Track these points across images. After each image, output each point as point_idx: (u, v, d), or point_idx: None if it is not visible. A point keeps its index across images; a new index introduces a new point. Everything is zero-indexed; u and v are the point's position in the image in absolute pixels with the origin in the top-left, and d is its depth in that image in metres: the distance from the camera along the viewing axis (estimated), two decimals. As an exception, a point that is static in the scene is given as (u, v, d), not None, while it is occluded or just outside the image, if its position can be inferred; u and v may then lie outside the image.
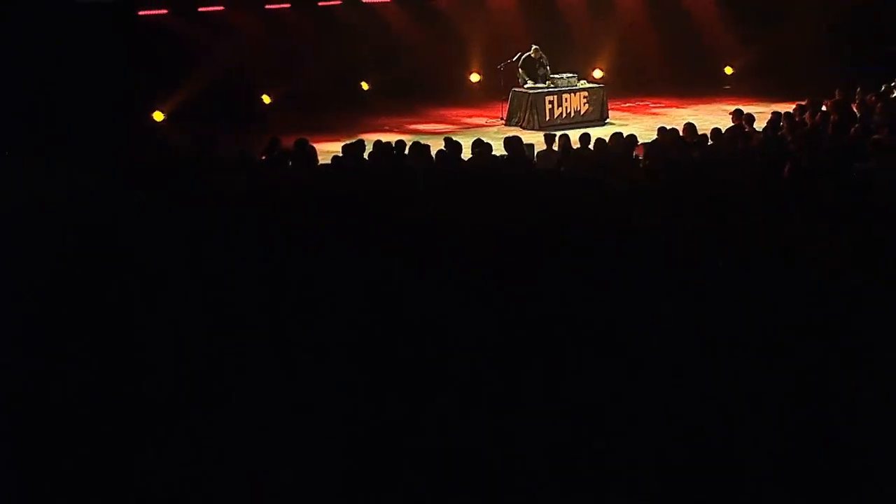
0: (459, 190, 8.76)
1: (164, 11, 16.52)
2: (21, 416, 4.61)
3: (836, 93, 12.12)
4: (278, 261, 6.44)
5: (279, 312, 5.66)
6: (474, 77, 19.21)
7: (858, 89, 12.11)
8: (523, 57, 16.36)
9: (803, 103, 11.84)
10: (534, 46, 16.43)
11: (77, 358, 5.12)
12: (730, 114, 11.86)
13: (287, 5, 17.88)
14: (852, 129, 10.00)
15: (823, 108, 11.58)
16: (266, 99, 17.62)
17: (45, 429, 4.52)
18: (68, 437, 4.49)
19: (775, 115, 11.29)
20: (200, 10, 16.86)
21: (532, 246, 6.54)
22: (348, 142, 10.46)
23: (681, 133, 10.65)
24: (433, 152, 10.01)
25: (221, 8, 17.08)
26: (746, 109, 11.75)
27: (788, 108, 12.19)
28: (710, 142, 10.48)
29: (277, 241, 6.85)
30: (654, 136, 11.06)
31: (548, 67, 16.31)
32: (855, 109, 11.70)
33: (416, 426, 4.40)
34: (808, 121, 11.07)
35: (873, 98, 11.79)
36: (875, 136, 9.54)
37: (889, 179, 8.08)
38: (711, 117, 14.61)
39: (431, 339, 5.16)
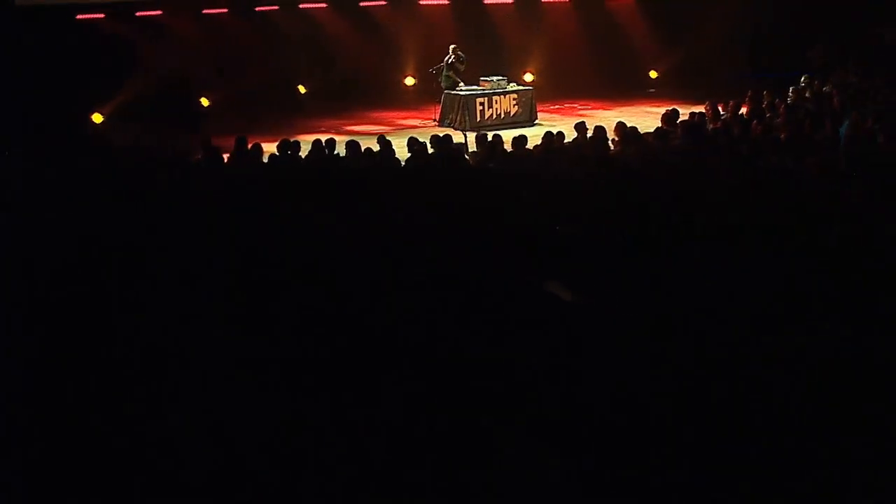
0: (392, 185, 9.21)
1: (102, 16, 16.66)
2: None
3: (748, 96, 12.88)
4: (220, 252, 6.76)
5: (224, 306, 5.87)
6: (409, 80, 19.71)
7: (765, 92, 12.87)
8: (448, 61, 16.95)
9: (718, 106, 12.49)
10: (451, 47, 17.04)
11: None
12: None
13: (224, 10, 18.11)
14: (759, 129, 10.70)
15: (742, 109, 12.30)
16: (205, 102, 17.90)
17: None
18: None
19: (692, 115, 11.99)
20: (138, 14, 16.99)
21: (461, 237, 6.94)
22: (285, 139, 10.84)
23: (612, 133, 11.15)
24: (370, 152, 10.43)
25: (159, 12, 17.25)
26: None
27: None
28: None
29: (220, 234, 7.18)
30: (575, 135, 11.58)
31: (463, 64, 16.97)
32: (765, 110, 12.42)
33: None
34: (717, 121, 11.77)
35: (778, 100, 12.57)
36: (778, 135, 10.30)
37: (789, 175, 8.75)
38: (636, 119, 15.19)
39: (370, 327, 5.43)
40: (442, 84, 16.89)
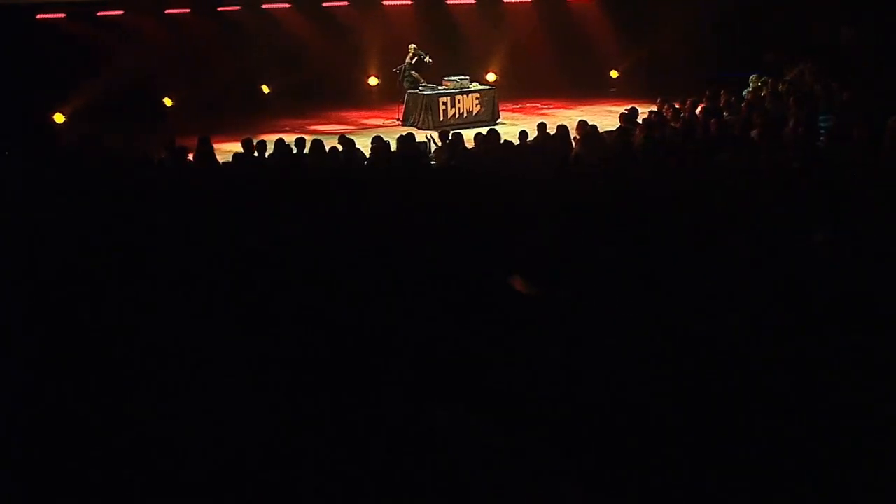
0: (356, 183, 9.31)
1: (63, 16, 16.56)
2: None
3: (705, 95, 13.13)
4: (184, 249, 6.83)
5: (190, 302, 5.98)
6: (372, 80, 19.79)
7: (722, 91, 13.13)
8: (414, 61, 17.07)
9: (675, 104, 12.75)
10: (411, 46, 17.20)
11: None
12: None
13: (187, 10, 18.07)
14: (715, 127, 10.95)
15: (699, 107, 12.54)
16: (168, 102, 17.85)
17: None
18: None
19: (651, 113, 12.22)
20: (99, 14, 16.90)
21: (427, 235, 7.07)
22: (248, 137, 10.89)
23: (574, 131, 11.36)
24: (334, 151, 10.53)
25: (120, 12, 17.18)
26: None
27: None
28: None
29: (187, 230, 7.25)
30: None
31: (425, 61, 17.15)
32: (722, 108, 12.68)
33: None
34: (677, 119, 12.00)
35: (734, 99, 12.84)
36: (732, 132, 10.55)
37: (741, 168, 8.98)
38: (597, 118, 15.37)
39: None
40: (404, 84, 17.01)
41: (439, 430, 4.50)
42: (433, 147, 11.94)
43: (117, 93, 15.94)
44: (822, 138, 10.19)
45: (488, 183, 9.00)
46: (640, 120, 12.04)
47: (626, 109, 12.33)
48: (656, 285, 5.75)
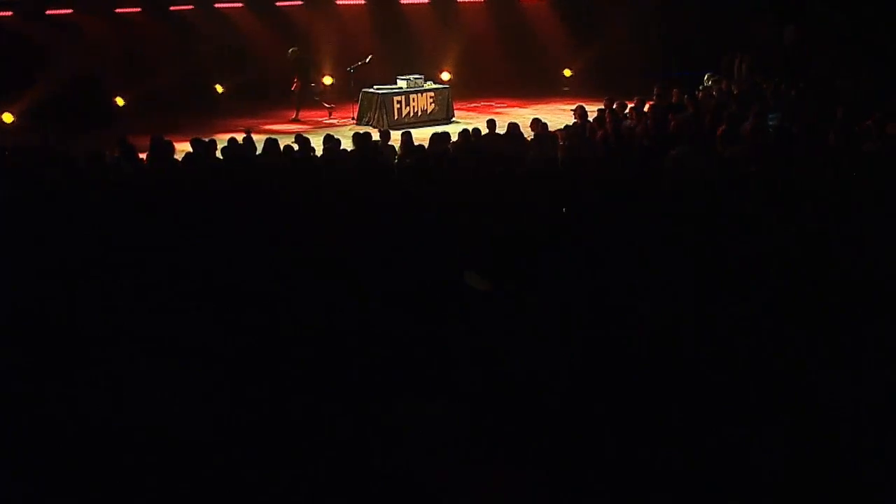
0: (310, 182, 9.32)
1: (10, 13, 16.34)
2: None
3: (655, 91, 13.33)
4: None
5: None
6: (327, 79, 19.78)
7: (675, 90, 13.34)
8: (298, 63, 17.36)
9: (627, 102, 12.92)
10: (292, 50, 17.53)
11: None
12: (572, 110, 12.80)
13: (137, 9, 17.92)
14: (665, 125, 11.13)
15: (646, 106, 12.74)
16: (119, 101, 17.68)
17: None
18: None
19: (600, 111, 12.37)
20: (48, 12, 16.70)
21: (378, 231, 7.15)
22: (198, 137, 10.85)
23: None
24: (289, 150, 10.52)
25: (69, 11, 16.98)
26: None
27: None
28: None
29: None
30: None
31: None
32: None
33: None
34: (626, 117, 12.18)
35: (686, 96, 13.06)
36: (683, 131, 10.72)
37: (696, 162, 9.15)
38: (551, 116, 15.53)
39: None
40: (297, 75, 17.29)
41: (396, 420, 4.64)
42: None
43: (67, 92, 15.74)
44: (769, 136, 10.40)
45: (445, 179, 9.08)
46: (590, 118, 12.18)
47: (577, 106, 12.48)
48: (608, 280, 5.89)
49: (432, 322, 5.46)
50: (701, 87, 14.18)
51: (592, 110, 12.65)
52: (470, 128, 11.75)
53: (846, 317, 5.16)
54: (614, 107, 12.49)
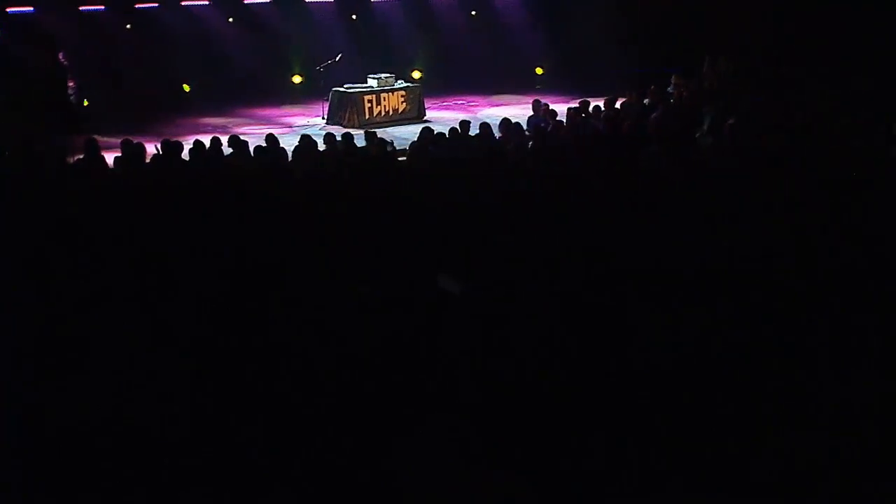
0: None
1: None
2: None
3: (628, 91, 13.30)
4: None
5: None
6: (296, 79, 19.58)
7: (652, 87, 13.32)
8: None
9: (602, 100, 12.87)
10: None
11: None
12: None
13: (102, 7, 17.65)
14: (635, 123, 11.10)
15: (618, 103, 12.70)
16: (84, 102, 17.39)
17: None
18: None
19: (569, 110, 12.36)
20: (9, 10, 16.38)
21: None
22: (167, 138, 10.68)
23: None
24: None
25: (31, 9, 16.66)
26: (553, 105, 12.92)
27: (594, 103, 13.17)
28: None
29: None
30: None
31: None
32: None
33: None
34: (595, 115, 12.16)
35: (656, 97, 13.04)
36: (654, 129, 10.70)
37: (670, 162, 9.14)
38: (524, 115, 15.48)
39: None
40: None
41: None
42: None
43: (33, 92, 15.44)
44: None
45: (418, 180, 9.04)
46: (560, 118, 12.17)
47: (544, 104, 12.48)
48: (583, 278, 5.85)
49: (410, 327, 5.42)
50: (670, 88, 14.15)
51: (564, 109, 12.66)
52: (441, 127, 11.67)
53: (826, 315, 5.18)
54: (590, 110, 12.47)
